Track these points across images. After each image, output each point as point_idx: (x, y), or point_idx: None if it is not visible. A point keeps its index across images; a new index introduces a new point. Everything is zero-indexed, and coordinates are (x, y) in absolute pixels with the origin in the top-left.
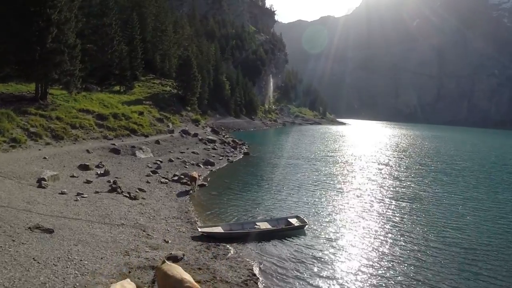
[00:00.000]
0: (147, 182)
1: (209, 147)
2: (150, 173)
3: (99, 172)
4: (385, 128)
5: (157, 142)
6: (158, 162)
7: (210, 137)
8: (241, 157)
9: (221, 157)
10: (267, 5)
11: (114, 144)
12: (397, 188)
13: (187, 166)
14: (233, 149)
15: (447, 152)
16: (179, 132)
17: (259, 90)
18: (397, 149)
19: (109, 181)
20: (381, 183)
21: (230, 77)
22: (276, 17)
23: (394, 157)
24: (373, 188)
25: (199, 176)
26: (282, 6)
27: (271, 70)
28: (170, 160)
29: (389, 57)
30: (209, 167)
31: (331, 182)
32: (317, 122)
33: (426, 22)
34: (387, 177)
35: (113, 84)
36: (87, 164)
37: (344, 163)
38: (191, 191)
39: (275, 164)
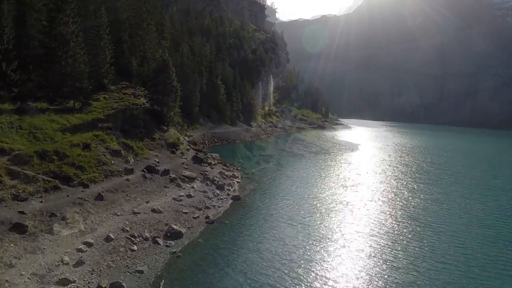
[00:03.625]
0: None
1: (182, 193)
2: None
3: None
4: (394, 133)
5: (99, 196)
6: (84, 247)
7: (187, 173)
8: (228, 206)
9: (197, 213)
10: (268, 2)
11: (22, 212)
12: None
13: (135, 249)
14: (218, 191)
15: (492, 183)
16: (142, 171)
17: (258, 92)
18: (428, 181)
19: None
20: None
21: (226, 79)
22: (277, 15)
23: (432, 205)
24: None
25: None
26: (282, 4)
27: (272, 70)
28: (108, 238)
29: (391, 56)
30: (172, 243)
31: None
32: (321, 126)
33: (428, 21)
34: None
35: (71, 98)
36: None
37: (369, 228)
38: None
39: (274, 234)
